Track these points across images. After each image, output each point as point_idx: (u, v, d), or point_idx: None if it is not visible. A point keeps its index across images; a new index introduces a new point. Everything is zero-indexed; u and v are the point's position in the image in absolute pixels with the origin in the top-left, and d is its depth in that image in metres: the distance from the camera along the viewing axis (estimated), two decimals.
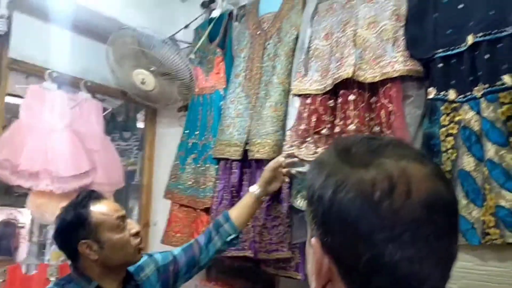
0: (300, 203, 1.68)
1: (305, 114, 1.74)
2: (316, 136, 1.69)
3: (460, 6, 1.44)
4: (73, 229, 1.35)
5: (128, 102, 2.95)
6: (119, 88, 2.75)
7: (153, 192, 2.97)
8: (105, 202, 1.42)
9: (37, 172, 2.24)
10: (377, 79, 1.54)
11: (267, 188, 1.70)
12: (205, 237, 1.66)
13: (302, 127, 1.73)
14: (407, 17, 1.55)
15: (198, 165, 2.22)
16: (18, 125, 2.28)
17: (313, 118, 1.70)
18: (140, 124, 3.29)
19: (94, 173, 2.50)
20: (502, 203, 1.24)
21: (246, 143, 1.93)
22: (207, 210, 2.12)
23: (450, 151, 1.39)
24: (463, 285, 1.29)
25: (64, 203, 2.36)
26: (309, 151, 1.69)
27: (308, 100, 1.76)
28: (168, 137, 2.97)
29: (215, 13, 2.38)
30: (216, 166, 2.09)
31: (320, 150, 1.66)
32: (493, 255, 1.29)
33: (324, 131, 1.68)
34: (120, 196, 2.98)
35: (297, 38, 1.89)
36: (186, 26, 2.55)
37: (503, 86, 1.28)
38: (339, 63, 1.66)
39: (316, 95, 1.73)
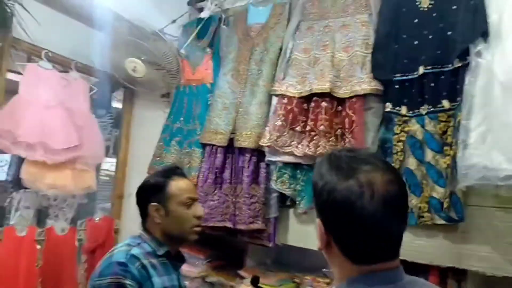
0: (279, 186, 2.06)
1: (281, 112, 2.09)
2: (291, 132, 2.06)
3: (416, 42, 1.85)
4: (151, 191, 1.60)
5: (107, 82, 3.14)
6: (103, 70, 2.98)
7: (128, 167, 3.23)
8: (185, 181, 1.65)
9: (34, 143, 2.45)
10: (347, 95, 1.93)
11: None
12: None
13: (279, 123, 2.07)
14: (374, 46, 1.94)
15: (183, 148, 2.52)
16: (18, 100, 2.46)
17: (290, 117, 2.07)
18: (115, 103, 3.47)
19: (80, 147, 2.72)
20: (434, 194, 1.69)
21: (232, 133, 2.27)
22: None
23: (399, 153, 1.82)
24: (401, 255, 1.73)
25: (54, 173, 2.61)
26: (284, 144, 2.05)
27: (285, 100, 2.11)
28: (145, 119, 3.23)
29: (204, 14, 2.66)
30: (201, 150, 2.41)
31: (293, 143, 2.03)
32: (425, 232, 1.74)
33: (297, 128, 2.06)
34: None
35: (281, 48, 2.23)
36: (174, 21, 2.80)
37: (442, 108, 1.73)
38: (317, 76, 2.01)
39: (292, 97, 2.09)
